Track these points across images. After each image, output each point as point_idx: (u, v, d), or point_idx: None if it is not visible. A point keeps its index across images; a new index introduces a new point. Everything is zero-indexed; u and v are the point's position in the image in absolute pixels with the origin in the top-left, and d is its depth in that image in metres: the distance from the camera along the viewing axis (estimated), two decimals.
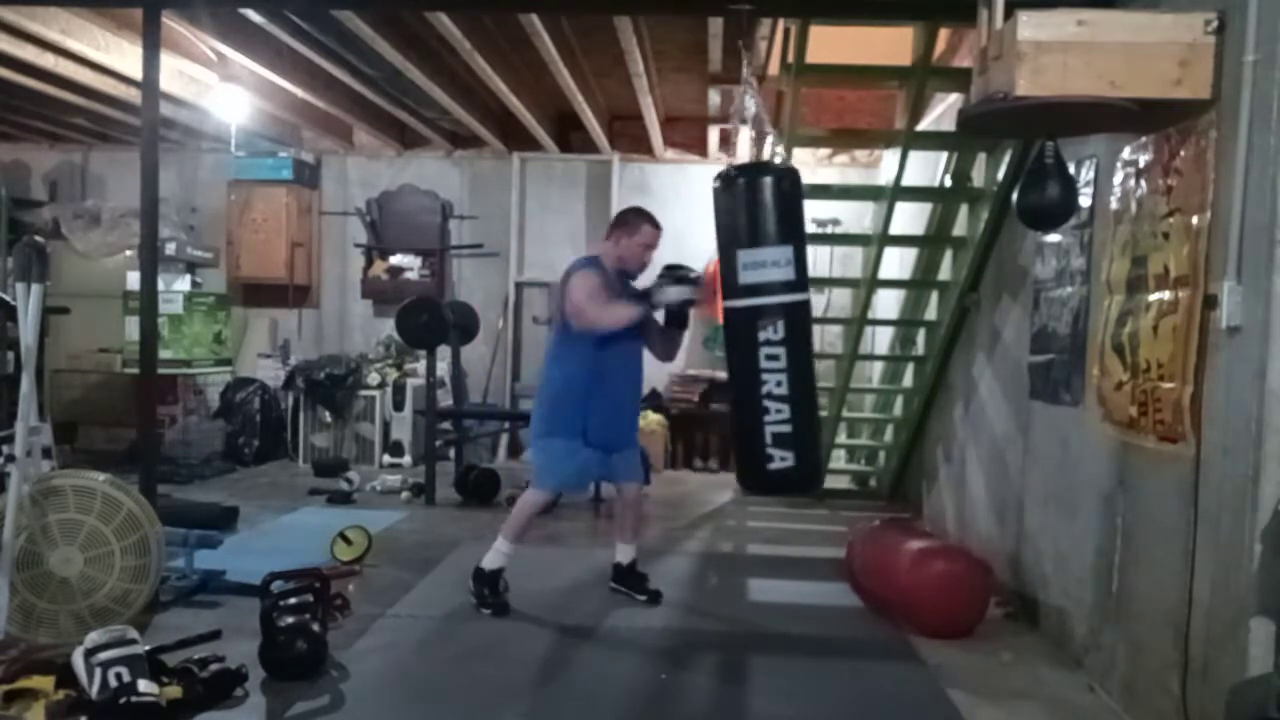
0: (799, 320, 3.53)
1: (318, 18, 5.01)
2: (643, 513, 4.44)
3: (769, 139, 3.96)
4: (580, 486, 4.56)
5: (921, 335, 5.87)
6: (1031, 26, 2.68)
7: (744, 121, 3.92)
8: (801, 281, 3.52)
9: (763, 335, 3.49)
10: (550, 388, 4.03)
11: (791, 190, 3.54)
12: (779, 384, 3.49)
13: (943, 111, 5.81)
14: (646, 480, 6.22)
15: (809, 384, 3.60)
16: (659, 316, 4.01)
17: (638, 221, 4.01)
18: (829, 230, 7.25)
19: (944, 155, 5.38)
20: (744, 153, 6.12)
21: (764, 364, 3.49)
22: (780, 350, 3.48)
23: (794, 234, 3.53)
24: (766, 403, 3.51)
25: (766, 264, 3.49)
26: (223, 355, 7.45)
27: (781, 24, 4.85)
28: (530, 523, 4.04)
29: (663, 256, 4.02)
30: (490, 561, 3.97)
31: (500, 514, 5.07)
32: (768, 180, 3.53)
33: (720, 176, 3.60)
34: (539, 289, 8.12)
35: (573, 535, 5.39)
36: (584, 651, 3.63)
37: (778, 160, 3.90)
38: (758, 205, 3.52)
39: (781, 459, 3.53)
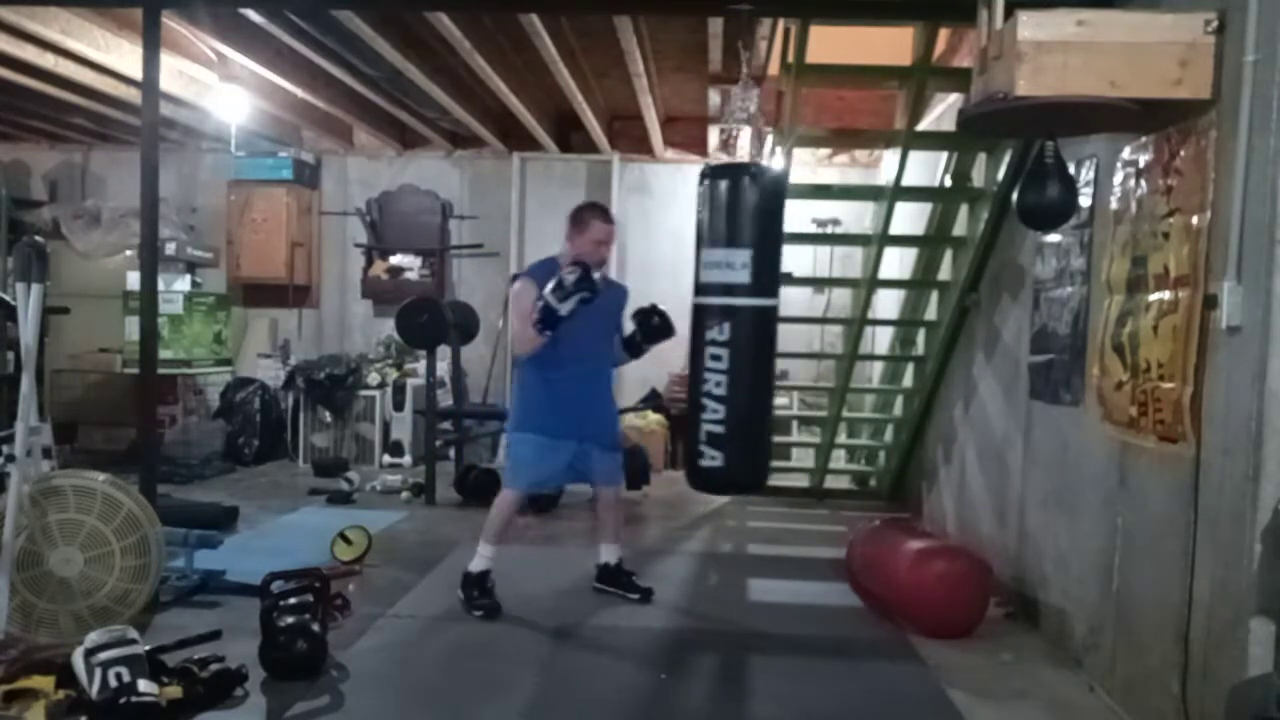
0: (747, 324, 3.57)
1: (318, 18, 5.00)
2: (623, 513, 4.44)
3: (755, 136, 3.96)
4: (552, 485, 4.65)
5: (921, 335, 5.87)
6: (1031, 26, 2.68)
7: (740, 121, 3.92)
8: (757, 285, 3.54)
9: (709, 335, 3.59)
10: (518, 382, 4.13)
11: (760, 192, 3.56)
12: (718, 384, 3.57)
13: (943, 111, 5.81)
14: (646, 480, 6.28)
15: (753, 388, 3.65)
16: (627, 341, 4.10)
17: (588, 218, 3.98)
18: (829, 230, 7.25)
19: (944, 155, 5.38)
20: (743, 152, 6.13)
21: (708, 363, 3.59)
22: (723, 351, 3.56)
23: (755, 237, 3.55)
24: (705, 400, 3.61)
25: (720, 265, 3.57)
26: (223, 355, 7.45)
27: (781, 24, 4.85)
28: (508, 523, 4.06)
29: (664, 256, 4.01)
30: (475, 565, 4.01)
31: None
32: (733, 181, 3.58)
33: (700, 176, 3.68)
34: None
35: (571, 536, 5.38)
36: (584, 651, 3.64)
37: (767, 160, 3.91)
38: (717, 206, 3.59)
39: (711, 458, 3.62)
